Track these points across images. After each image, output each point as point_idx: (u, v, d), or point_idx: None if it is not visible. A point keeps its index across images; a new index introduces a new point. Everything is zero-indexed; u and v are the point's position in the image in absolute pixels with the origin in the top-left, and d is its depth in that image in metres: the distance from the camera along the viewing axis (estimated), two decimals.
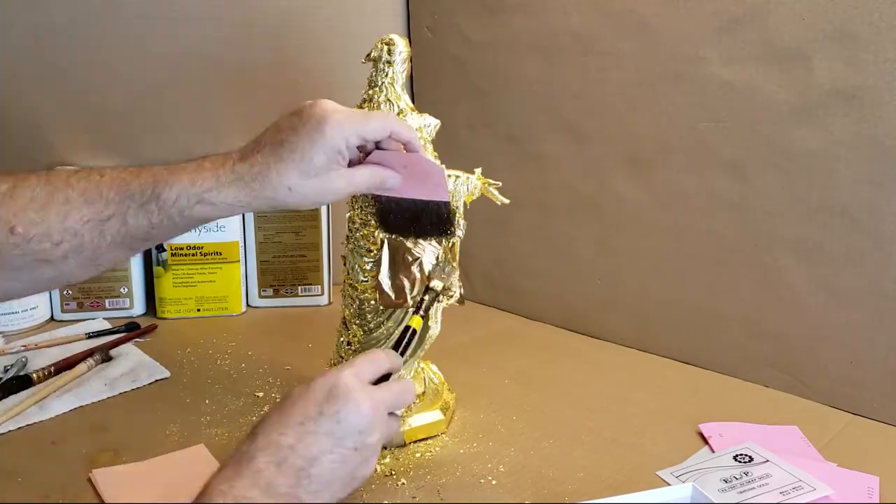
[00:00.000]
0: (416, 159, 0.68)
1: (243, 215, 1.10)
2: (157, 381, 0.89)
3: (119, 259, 0.64)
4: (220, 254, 1.10)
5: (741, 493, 0.67)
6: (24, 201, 0.59)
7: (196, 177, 0.62)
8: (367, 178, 0.66)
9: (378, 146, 0.67)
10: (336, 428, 0.55)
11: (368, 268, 0.74)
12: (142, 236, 0.62)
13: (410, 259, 0.73)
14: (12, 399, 0.84)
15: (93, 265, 0.62)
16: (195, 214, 0.61)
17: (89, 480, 0.70)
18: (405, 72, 0.74)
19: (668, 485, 0.68)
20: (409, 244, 0.73)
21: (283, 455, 0.53)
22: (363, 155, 0.67)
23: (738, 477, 0.69)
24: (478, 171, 0.76)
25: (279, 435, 0.54)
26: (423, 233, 0.73)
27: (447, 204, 0.71)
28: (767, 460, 0.71)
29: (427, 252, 0.73)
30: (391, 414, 0.60)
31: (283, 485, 0.52)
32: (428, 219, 0.72)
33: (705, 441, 0.76)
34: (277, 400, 0.84)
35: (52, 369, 0.89)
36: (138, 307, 1.10)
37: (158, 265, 1.09)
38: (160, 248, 1.08)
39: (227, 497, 0.51)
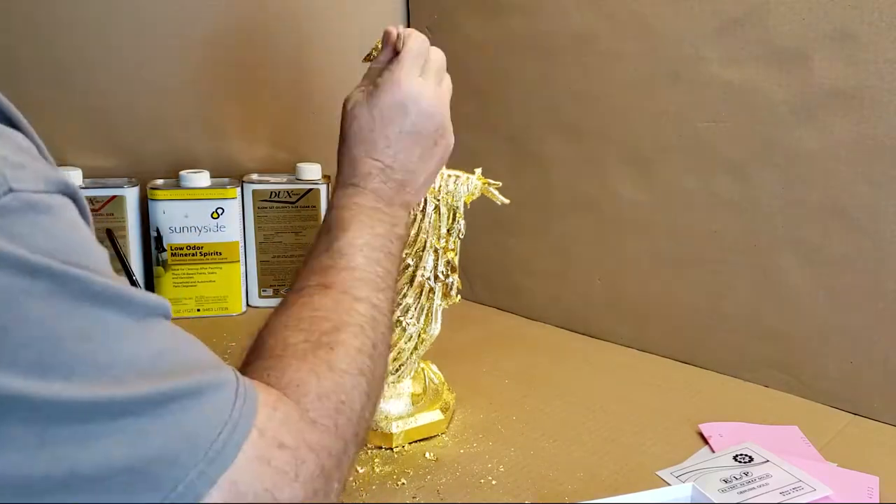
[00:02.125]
0: None
1: (243, 216, 1.10)
2: None
3: None
4: (220, 254, 1.09)
5: (741, 493, 0.67)
6: None
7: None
8: None
9: None
10: (416, 137, 0.61)
11: None
12: None
13: None
14: None
15: None
16: None
17: None
18: None
19: (668, 485, 0.68)
20: None
21: (385, 175, 0.61)
22: None
23: (737, 477, 0.69)
24: (478, 171, 0.76)
25: (374, 161, 0.61)
26: None
27: None
28: (767, 460, 0.71)
29: None
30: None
31: (395, 196, 0.61)
32: None
33: (705, 441, 0.76)
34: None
35: None
36: None
37: (158, 265, 1.08)
38: (160, 248, 1.08)
39: (363, 209, 0.59)
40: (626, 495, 0.61)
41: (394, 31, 0.65)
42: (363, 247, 0.57)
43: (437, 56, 0.64)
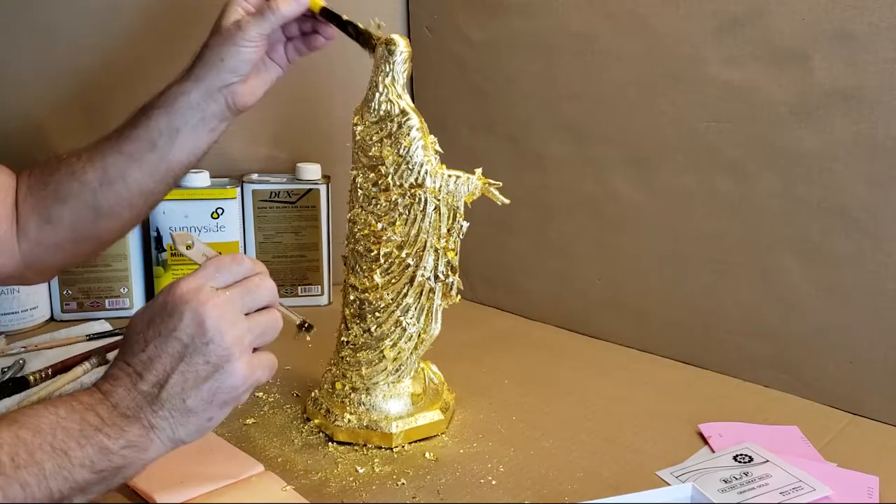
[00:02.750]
0: None
1: (243, 216, 1.10)
2: None
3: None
4: (220, 254, 1.09)
5: (741, 493, 0.67)
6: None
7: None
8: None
9: None
10: (179, 345, 0.52)
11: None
12: None
13: None
14: (8, 401, 0.84)
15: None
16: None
17: None
18: (406, 72, 0.74)
19: (668, 485, 0.68)
20: None
21: (129, 382, 0.52)
22: None
23: (737, 477, 0.69)
24: (478, 171, 0.76)
25: (123, 364, 0.53)
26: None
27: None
28: (767, 460, 0.71)
29: None
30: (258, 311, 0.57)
31: (131, 409, 0.51)
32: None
33: (705, 441, 0.76)
34: (270, 400, 0.85)
35: (50, 371, 0.89)
36: (138, 307, 1.10)
37: (158, 265, 1.09)
38: (160, 248, 1.08)
39: (74, 401, 0.50)
40: (626, 495, 0.61)
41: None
42: (26, 425, 0.48)
43: (260, 283, 0.57)
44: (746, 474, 0.69)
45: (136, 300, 1.10)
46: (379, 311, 0.76)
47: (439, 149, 0.75)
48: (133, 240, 1.07)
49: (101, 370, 0.91)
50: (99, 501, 0.67)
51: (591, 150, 0.99)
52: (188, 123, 0.75)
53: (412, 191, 0.73)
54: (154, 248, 1.08)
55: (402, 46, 0.74)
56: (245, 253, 1.12)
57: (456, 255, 0.76)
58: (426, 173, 0.73)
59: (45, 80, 1.07)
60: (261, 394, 0.86)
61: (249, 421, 0.80)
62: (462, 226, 0.75)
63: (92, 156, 0.77)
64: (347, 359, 0.78)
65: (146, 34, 1.10)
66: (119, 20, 1.09)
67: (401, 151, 0.73)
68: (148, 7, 1.09)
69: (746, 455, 0.72)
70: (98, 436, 0.50)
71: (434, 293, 0.76)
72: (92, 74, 1.09)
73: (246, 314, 0.56)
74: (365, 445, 0.76)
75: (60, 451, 0.48)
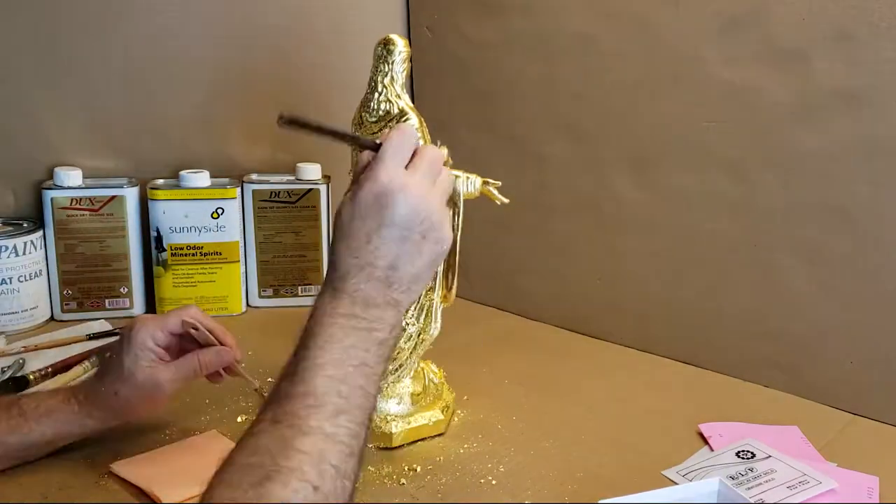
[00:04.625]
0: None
1: (243, 216, 1.10)
2: None
3: None
4: (220, 254, 1.09)
5: (749, 489, 0.67)
6: None
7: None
8: (189, 361, 0.72)
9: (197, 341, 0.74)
10: (399, 231, 0.58)
11: None
12: None
13: None
14: None
15: None
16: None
17: (95, 482, 0.70)
18: (405, 72, 0.74)
19: (675, 483, 0.68)
20: None
21: (365, 274, 0.58)
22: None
23: (743, 473, 0.69)
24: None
25: (354, 259, 0.58)
26: None
27: None
28: (770, 456, 0.71)
29: None
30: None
31: (378, 296, 0.58)
32: None
33: (705, 441, 0.76)
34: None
35: (49, 371, 0.89)
36: (138, 307, 1.10)
37: (158, 265, 1.08)
38: (160, 248, 1.08)
39: (335, 317, 0.56)
40: (653, 491, 0.61)
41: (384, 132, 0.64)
42: (326, 365, 0.54)
43: (430, 152, 0.62)
44: (752, 470, 0.69)
45: (136, 300, 1.10)
46: None
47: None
48: (133, 240, 1.08)
49: None
50: (104, 502, 0.67)
51: (591, 150, 0.99)
52: (68, 432, 0.71)
53: None
54: (154, 247, 1.08)
55: (401, 46, 0.74)
56: (245, 253, 1.12)
57: (456, 254, 0.76)
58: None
59: (45, 79, 1.07)
60: (265, 393, 0.86)
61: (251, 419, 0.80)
62: (459, 221, 0.75)
63: None
64: None
65: (147, 33, 1.10)
66: (119, 20, 1.09)
67: None
68: (148, 6, 1.09)
69: (748, 451, 0.72)
70: (372, 335, 0.57)
71: (433, 292, 0.76)
72: (92, 74, 1.09)
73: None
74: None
75: (361, 365, 0.55)
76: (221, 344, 0.74)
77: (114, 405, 0.70)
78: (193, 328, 0.73)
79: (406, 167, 0.60)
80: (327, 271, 0.60)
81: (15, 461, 0.70)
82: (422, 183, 0.60)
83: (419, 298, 0.75)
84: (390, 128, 0.67)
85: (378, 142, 0.61)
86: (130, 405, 0.71)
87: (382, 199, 0.58)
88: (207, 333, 0.73)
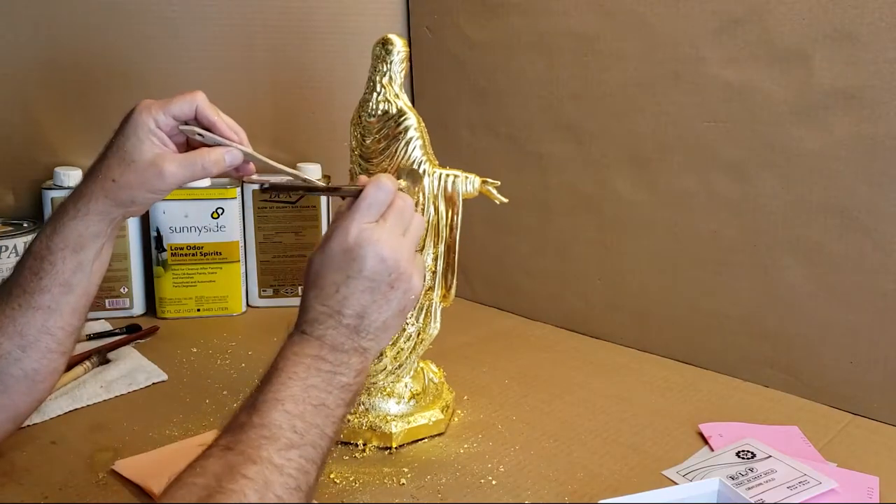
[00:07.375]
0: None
1: (243, 216, 1.10)
2: (153, 384, 0.89)
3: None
4: (220, 254, 1.10)
5: (749, 489, 0.67)
6: None
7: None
8: (195, 157, 0.67)
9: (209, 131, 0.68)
10: (367, 283, 0.60)
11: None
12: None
13: None
14: None
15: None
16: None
17: (95, 482, 0.70)
18: (403, 71, 0.74)
19: (675, 483, 0.68)
20: None
21: (334, 321, 0.59)
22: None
23: (743, 473, 0.69)
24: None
25: (323, 306, 0.60)
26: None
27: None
28: (770, 456, 0.71)
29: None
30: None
31: (346, 342, 0.59)
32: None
33: (705, 441, 0.76)
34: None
35: None
36: (138, 307, 1.10)
37: (158, 265, 1.09)
38: (160, 248, 1.08)
39: (302, 356, 0.57)
40: (653, 491, 0.61)
41: (362, 179, 0.64)
42: (285, 400, 0.55)
43: (399, 202, 0.62)
44: (752, 470, 0.69)
45: (136, 300, 1.10)
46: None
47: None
48: (133, 240, 1.08)
49: (102, 369, 0.91)
50: (104, 502, 0.67)
51: (591, 150, 0.99)
52: (95, 250, 0.68)
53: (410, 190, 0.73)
54: (154, 247, 1.08)
55: (399, 46, 0.74)
56: (245, 253, 1.12)
57: (454, 254, 0.76)
58: (424, 172, 0.73)
59: (45, 79, 1.07)
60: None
61: None
62: (460, 224, 0.75)
63: None
64: None
65: (146, 33, 1.10)
66: (119, 20, 1.09)
67: (399, 151, 0.73)
68: (148, 7, 1.09)
69: (748, 451, 0.72)
70: (336, 378, 0.58)
71: (433, 292, 0.76)
72: (92, 74, 1.09)
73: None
74: (365, 445, 0.76)
75: (321, 406, 0.56)
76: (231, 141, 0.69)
77: (110, 194, 0.66)
78: (199, 135, 0.67)
79: (378, 220, 0.61)
80: (298, 314, 0.61)
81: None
82: (392, 234, 0.61)
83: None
84: (371, 175, 0.68)
85: (360, 188, 0.62)
86: (129, 190, 0.66)
87: (350, 254, 0.59)
88: (216, 137, 0.67)
